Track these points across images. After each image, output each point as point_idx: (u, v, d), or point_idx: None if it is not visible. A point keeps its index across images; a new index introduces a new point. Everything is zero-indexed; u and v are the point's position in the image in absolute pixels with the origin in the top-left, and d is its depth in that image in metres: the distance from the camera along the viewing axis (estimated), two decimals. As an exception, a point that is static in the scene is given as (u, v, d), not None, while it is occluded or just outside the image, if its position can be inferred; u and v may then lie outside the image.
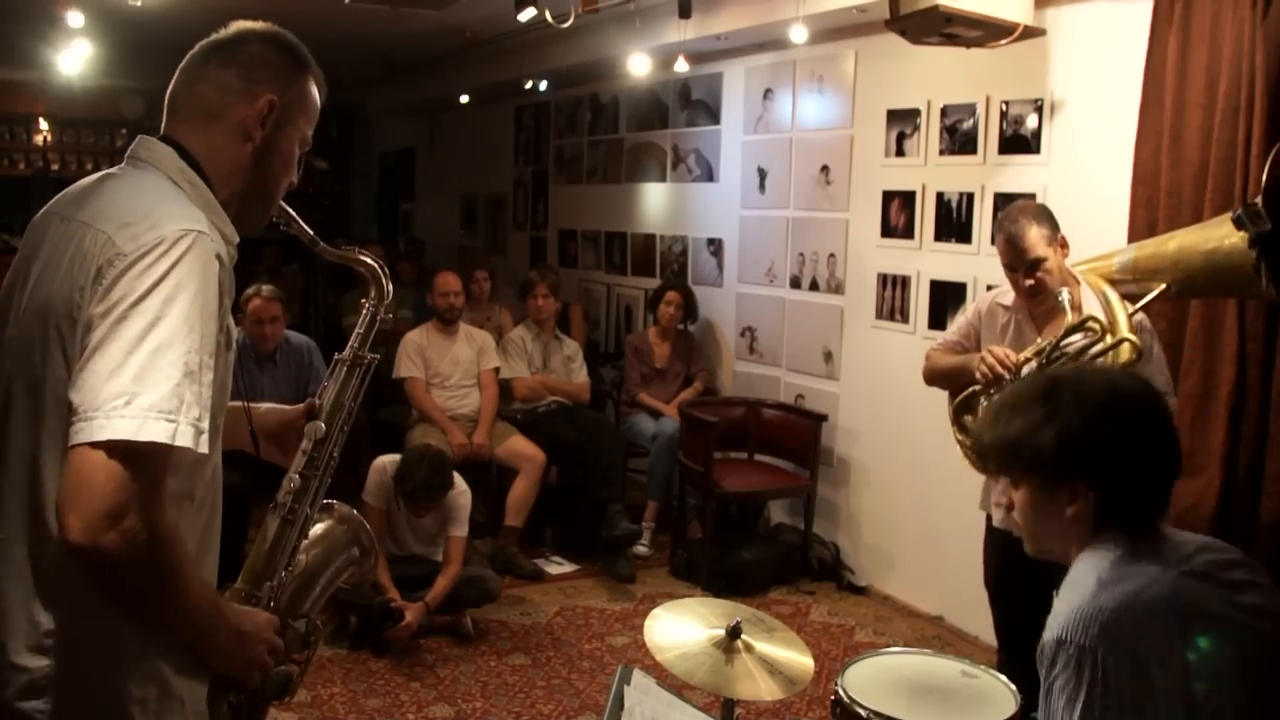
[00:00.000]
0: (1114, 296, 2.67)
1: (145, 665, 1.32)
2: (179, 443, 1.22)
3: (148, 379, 1.21)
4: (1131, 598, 1.42)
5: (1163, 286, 2.66)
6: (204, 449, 1.25)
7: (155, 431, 1.20)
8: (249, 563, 1.56)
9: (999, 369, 2.71)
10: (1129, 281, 2.74)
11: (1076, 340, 2.63)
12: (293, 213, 1.61)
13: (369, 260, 1.78)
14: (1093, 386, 1.54)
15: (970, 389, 2.88)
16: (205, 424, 1.25)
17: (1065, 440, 1.48)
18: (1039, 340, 2.78)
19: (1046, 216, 2.85)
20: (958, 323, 3.15)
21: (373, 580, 1.72)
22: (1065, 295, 2.72)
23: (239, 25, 1.49)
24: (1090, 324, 2.62)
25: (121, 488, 1.18)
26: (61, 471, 1.22)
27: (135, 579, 1.24)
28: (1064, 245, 2.83)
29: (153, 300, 1.24)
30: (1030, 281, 2.78)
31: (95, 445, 1.18)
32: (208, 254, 1.30)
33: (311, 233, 1.66)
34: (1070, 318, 2.68)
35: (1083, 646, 1.39)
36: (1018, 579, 2.85)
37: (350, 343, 1.72)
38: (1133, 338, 2.56)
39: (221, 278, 1.33)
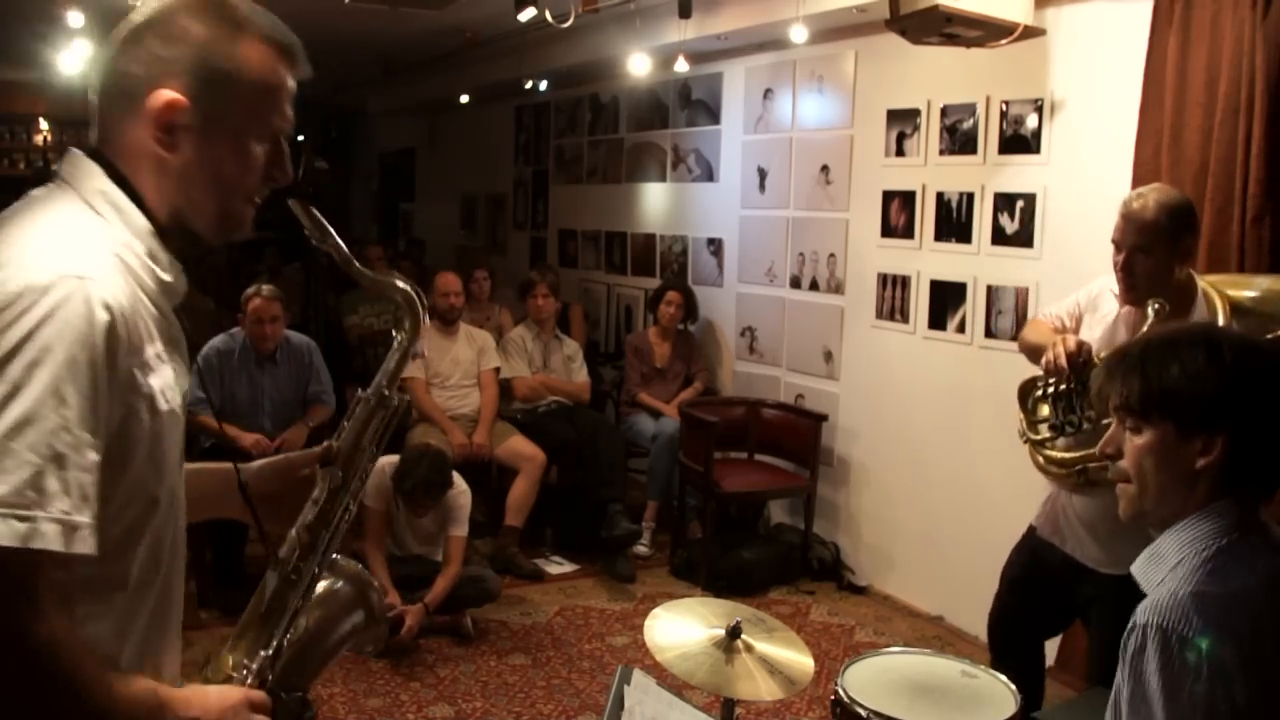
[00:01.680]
0: (1224, 325, 2.42)
1: None
2: (36, 545, 0.99)
3: None
4: (1240, 592, 1.38)
5: None
6: (81, 548, 1.03)
7: (3, 534, 0.98)
8: (241, 626, 1.33)
9: (1060, 363, 2.56)
10: (1255, 314, 2.53)
11: None
12: (328, 225, 1.36)
13: (406, 288, 1.46)
14: (1257, 345, 1.54)
15: (1032, 377, 2.76)
16: (84, 516, 1.03)
17: (1226, 387, 1.45)
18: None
19: (1183, 216, 2.54)
20: (1065, 302, 2.93)
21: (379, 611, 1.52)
22: (1153, 307, 2.47)
23: None
24: None
25: None
26: None
27: (13, 698, 1.03)
28: (1188, 256, 2.58)
29: (12, 367, 1.01)
30: (1121, 258, 2.56)
31: None
32: (89, 304, 1.05)
33: (347, 251, 1.38)
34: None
35: (1183, 635, 1.34)
36: (1041, 582, 2.80)
37: (377, 380, 1.44)
38: None
39: (117, 331, 1.08)
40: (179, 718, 1.15)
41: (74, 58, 6.68)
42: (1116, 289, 2.67)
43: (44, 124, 10.03)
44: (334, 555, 1.42)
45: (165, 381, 1.17)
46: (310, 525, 1.37)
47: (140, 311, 1.14)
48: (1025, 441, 2.79)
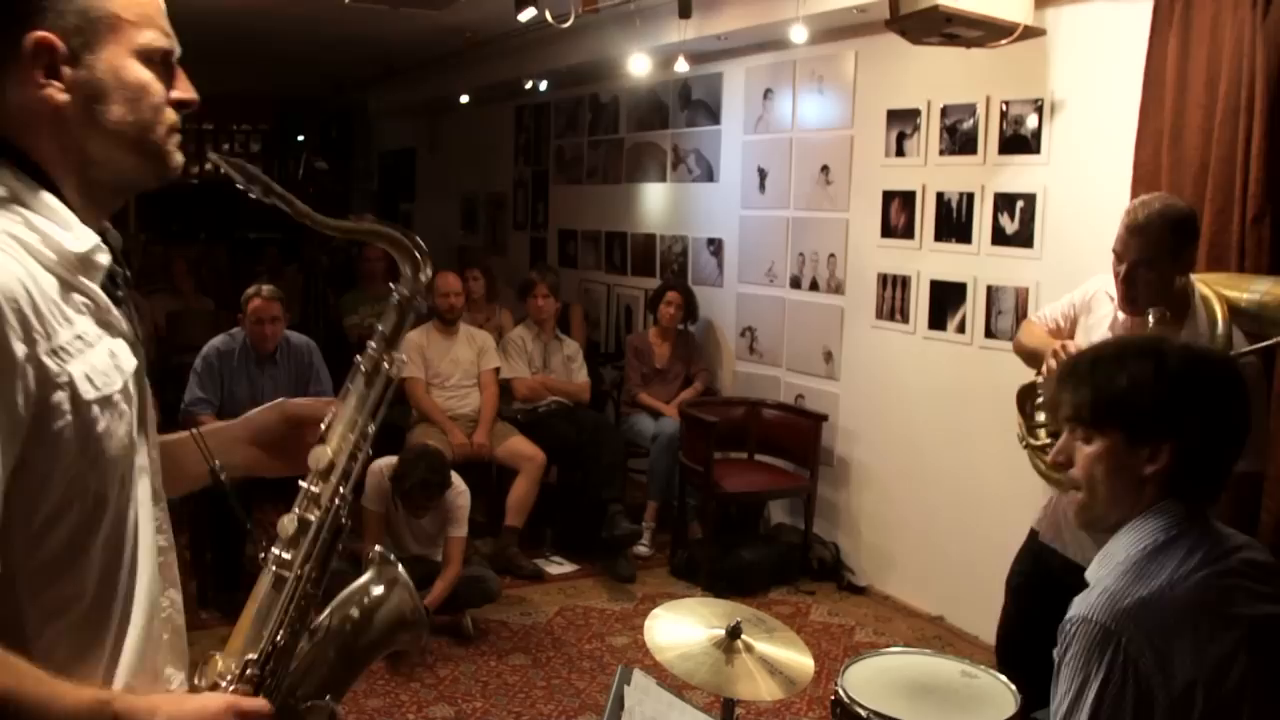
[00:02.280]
0: (1222, 330, 2.45)
1: None
2: None
3: None
4: (1164, 589, 1.42)
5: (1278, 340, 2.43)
6: None
7: None
8: (235, 630, 1.23)
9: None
10: (1254, 317, 2.53)
11: None
12: (260, 173, 1.24)
13: (387, 230, 1.33)
14: (1203, 356, 1.59)
15: (1032, 381, 2.78)
16: None
17: (1171, 398, 1.49)
18: None
19: (1187, 229, 2.56)
20: (1060, 304, 2.95)
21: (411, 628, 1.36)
22: (1153, 315, 2.47)
23: None
24: None
25: None
26: None
27: None
28: (1189, 266, 2.60)
29: None
30: (1124, 270, 2.56)
31: None
32: None
33: (298, 202, 1.26)
34: None
35: (1108, 628, 1.39)
36: (1043, 587, 2.81)
37: (369, 343, 1.32)
38: None
39: (12, 315, 0.99)
40: None
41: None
42: (1112, 290, 2.69)
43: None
44: (335, 546, 1.28)
45: (93, 366, 1.07)
46: (300, 512, 1.25)
47: (44, 293, 1.03)
48: (1025, 446, 2.80)
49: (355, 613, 1.31)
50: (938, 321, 4.44)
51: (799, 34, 4.64)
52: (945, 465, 4.46)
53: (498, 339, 5.57)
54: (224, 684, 1.19)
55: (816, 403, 5.12)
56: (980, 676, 2.40)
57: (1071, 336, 2.79)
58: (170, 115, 1.16)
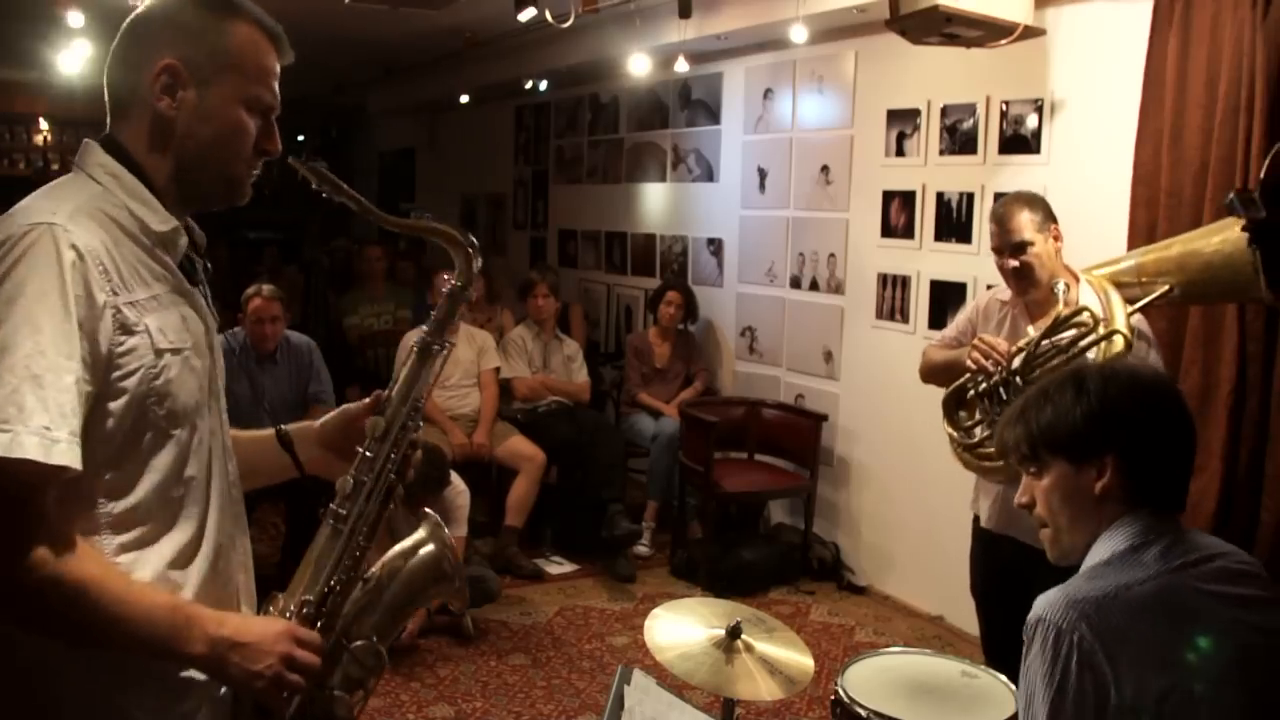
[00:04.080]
0: (1114, 295, 2.66)
1: (94, 705, 1.22)
2: (16, 454, 1.07)
3: None
4: (1120, 589, 1.45)
5: (1165, 288, 2.66)
6: (60, 460, 1.10)
7: None
8: (296, 574, 1.42)
9: (991, 356, 2.69)
10: (1134, 285, 2.73)
11: (1068, 334, 2.62)
12: (338, 180, 1.44)
13: (443, 227, 1.54)
14: (1118, 370, 1.68)
15: (961, 381, 2.87)
16: (62, 432, 1.11)
17: (1096, 414, 1.57)
18: (1030, 331, 2.76)
19: (1039, 203, 2.83)
20: (956, 320, 3.15)
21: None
22: (1061, 287, 2.70)
23: None
24: (1083, 315, 2.61)
25: None
26: None
27: (31, 617, 1.13)
28: (1057, 236, 2.82)
29: None
30: (1014, 264, 2.77)
31: None
32: (57, 245, 1.17)
33: (362, 199, 1.48)
34: (1063, 310, 2.67)
35: (1060, 628, 1.42)
36: (1005, 584, 2.85)
37: (423, 328, 1.52)
38: (1125, 330, 2.55)
39: (86, 271, 1.18)
40: (209, 634, 1.22)
41: (74, 58, 6.68)
42: (1003, 297, 2.93)
43: (44, 124, 10.03)
44: (386, 505, 1.47)
45: (166, 322, 1.27)
46: (355, 472, 1.43)
47: (125, 257, 1.24)
48: (960, 451, 2.86)
49: (401, 565, 1.49)
50: (938, 321, 4.44)
51: (799, 34, 4.64)
52: (945, 465, 4.43)
53: (498, 339, 5.57)
54: (286, 617, 1.36)
55: (816, 403, 5.12)
56: (980, 676, 2.40)
57: None
58: (253, 158, 1.37)
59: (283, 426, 1.55)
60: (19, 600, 1.11)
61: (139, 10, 1.34)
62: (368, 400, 1.53)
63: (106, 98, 1.36)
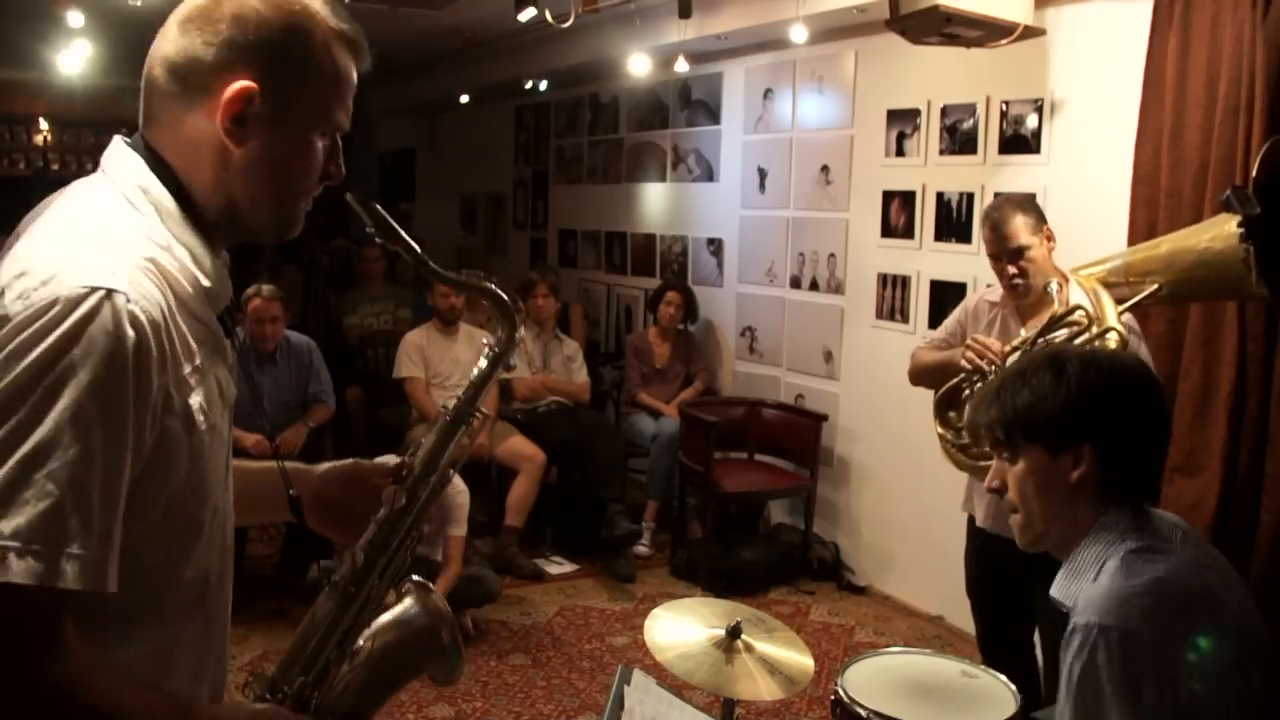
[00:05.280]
0: (1104, 294, 2.67)
1: None
2: (58, 584, 0.92)
3: (13, 499, 0.91)
4: (1159, 582, 1.42)
5: (1154, 287, 2.66)
6: (105, 586, 0.96)
7: (17, 570, 0.90)
8: (290, 648, 1.27)
9: (985, 357, 2.69)
10: (1122, 284, 2.74)
11: (1062, 333, 2.62)
12: (395, 225, 1.29)
13: (498, 291, 1.38)
14: (1099, 357, 1.64)
15: (954, 382, 2.87)
16: (105, 552, 0.96)
17: (1076, 400, 1.53)
18: (1023, 332, 2.77)
19: (1032, 206, 2.86)
20: (946, 323, 3.15)
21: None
22: (1054, 286, 2.71)
23: None
24: (1076, 314, 2.60)
25: None
26: None
27: None
28: (1050, 237, 2.83)
29: (34, 391, 0.93)
30: (1013, 270, 2.78)
31: None
32: (117, 322, 0.96)
33: (419, 250, 1.32)
34: (1057, 309, 2.67)
35: (1125, 629, 1.38)
36: (1000, 583, 2.86)
37: (465, 393, 1.39)
38: (1119, 327, 2.55)
39: (149, 350, 0.99)
40: None
41: (74, 58, 6.69)
42: (992, 298, 2.95)
43: (44, 124, 10.02)
44: (402, 578, 1.34)
45: (206, 397, 1.10)
46: (369, 546, 1.29)
47: (177, 322, 1.05)
48: (953, 451, 2.86)
49: (393, 639, 1.33)
50: (938, 321, 4.41)
51: (799, 34, 4.64)
52: (945, 465, 4.41)
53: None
54: (274, 699, 1.23)
55: (816, 403, 5.12)
56: (980, 676, 2.40)
57: None
58: (315, 187, 1.19)
59: (281, 463, 1.38)
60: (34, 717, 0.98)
61: (201, 4, 1.10)
62: (386, 463, 1.37)
63: (146, 98, 1.13)
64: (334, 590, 1.28)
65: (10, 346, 0.94)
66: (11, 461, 0.92)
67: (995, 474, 1.64)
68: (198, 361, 1.09)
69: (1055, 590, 1.54)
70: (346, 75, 1.17)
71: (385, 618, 1.34)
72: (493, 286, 1.39)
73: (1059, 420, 1.53)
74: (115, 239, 1.04)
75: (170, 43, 1.10)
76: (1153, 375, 1.68)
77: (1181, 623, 1.40)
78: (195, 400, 1.08)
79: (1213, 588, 1.47)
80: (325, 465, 1.43)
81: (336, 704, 1.27)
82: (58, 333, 0.94)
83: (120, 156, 1.12)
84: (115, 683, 1.02)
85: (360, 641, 1.30)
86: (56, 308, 0.95)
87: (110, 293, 0.97)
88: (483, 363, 1.39)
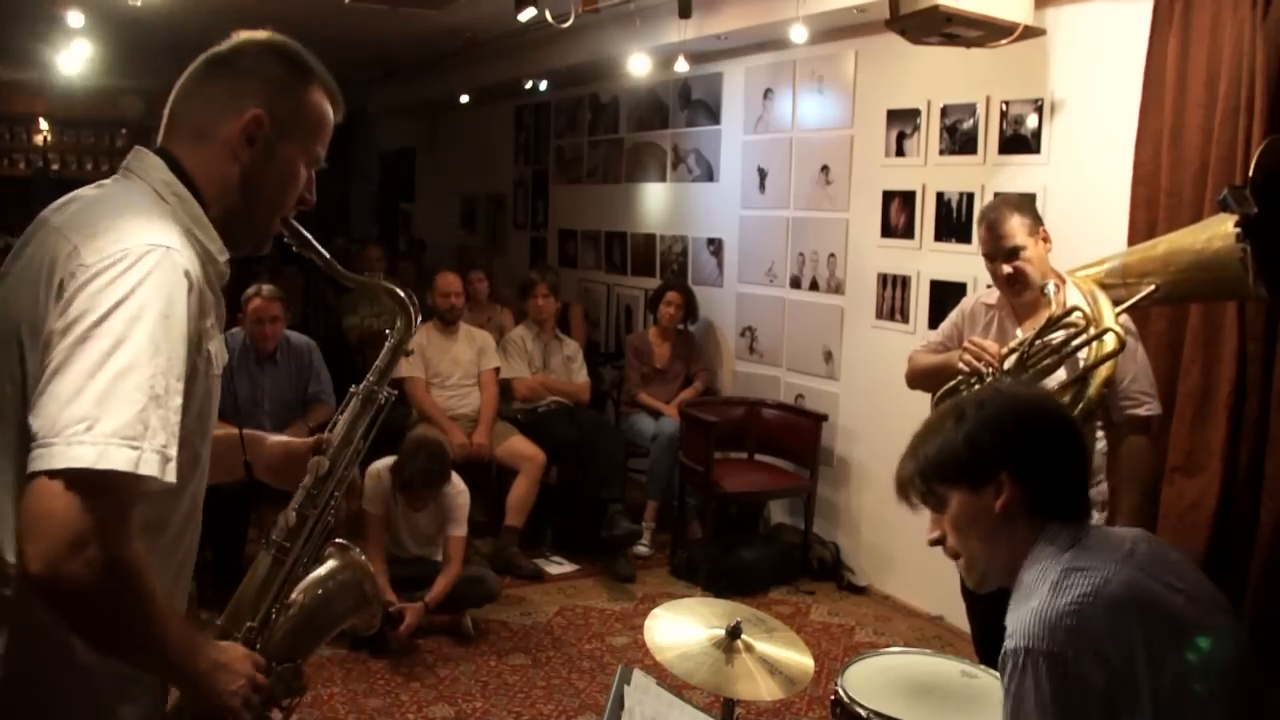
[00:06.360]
0: (1101, 295, 2.66)
1: (99, 713, 1.31)
2: (143, 471, 1.16)
3: (110, 404, 1.15)
4: (1090, 597, 1.43)
5: (1151, 288, 2.66)
6: (171, 478, 1.19)
7: (117, 459, 1.14)
8: (234, 600, 1.50)
9: (983, 359, 2.68)
10: (1119, 285, 2.74)
11: (1059, 334, 2.62)
12: (307, 235, 1.54)
13: (396, 290, 1.67)
14: (996, 392, 1.74)
15: (953, 384, 2.85)
16: (173, 451, 1.20)
17: (976, 436, 1.59)
18: (1020, 333, 2.77)
19: (1028, 207, 2.86)
20: (943, 326, 3.14)
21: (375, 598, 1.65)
22: (1051, 287, 2.70)
23: (238, 36, 1.45)
24: (1073, 316, 2.60)
25: (82, 517, 1.12)
26: (21, 499, 1.16)
27: (100, 611, 1.17)
28: (1046, 238, 2.83)
29: (116, 319, 1.18)
30: (1009, 270, 2.77)
31: (54, 474, 1.12)
32: (175, 271, 1.24)
33: (328, 256, 1.59)
34: (1054, 311, 2.67)
35: (1050, 653, 1.39)
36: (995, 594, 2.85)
37: (368, 376, 1.62)
38: (1116, 328, 2.55)
39: (192, 297, 1.27)
40: (211, 659, 1.31)
41: (74, 58, 6.69)
42: (988, 300, 2.93)
43: (44, 124, 10.03)
44: (327, 539, 1.57)
45: (217, 347, 1.38)
46: (299, 508, 1.53)
47: (202, 283, 1.32)
48: None
49: (321, 592, 1.58)
50: (938, 322, 4.40)
51: (799, 34, 4.64)
52: (945, 465, 4.45)
53: (498, 339, 5.57)
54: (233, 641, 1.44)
55: (816, 403, 5.12)
56: (980, 676, 2.40)
57: None
58: (291, 208, 1.48)
59: (242, 430, 1.65)
60: (108, 589, 1.16)
61: (228, 50, 1.42)
62: (310, 439, 1.63)
63: (171, 118, 1.41)
64: (270, 547, 1.50)
65: (94, 284, 1.20)
66: (107, 375, 1.16)
67: (933, 526, 1.69)
68: (211, 319, 1.36)
69: (1008, 619, 1.52)
70: (329, 118, 1.48)
71: (314, 574, 1.58)
72: (391, 286, 1.67)
73: (965, 457, 1.59)
74: (158, 217, 1.31)
75: (196, 80, 1.41)
76: (1049, 397, 1.77)
77: (1111, 640, 1.40)
78: (213, 347, 1.36)
79: (1159, 599, 1.46)
80: (273, 438, 1.71)
81: (275, 650, 1.48)
82: (134, 275, 1.20)
83: (144, 160, 1.39)
84: (156, 583, 1.23)
85: (293, 595, 1.53)
86: (130, 257, 1.21)
87: (169, 249, 1.25)
88: (386, 351, 1.63)
